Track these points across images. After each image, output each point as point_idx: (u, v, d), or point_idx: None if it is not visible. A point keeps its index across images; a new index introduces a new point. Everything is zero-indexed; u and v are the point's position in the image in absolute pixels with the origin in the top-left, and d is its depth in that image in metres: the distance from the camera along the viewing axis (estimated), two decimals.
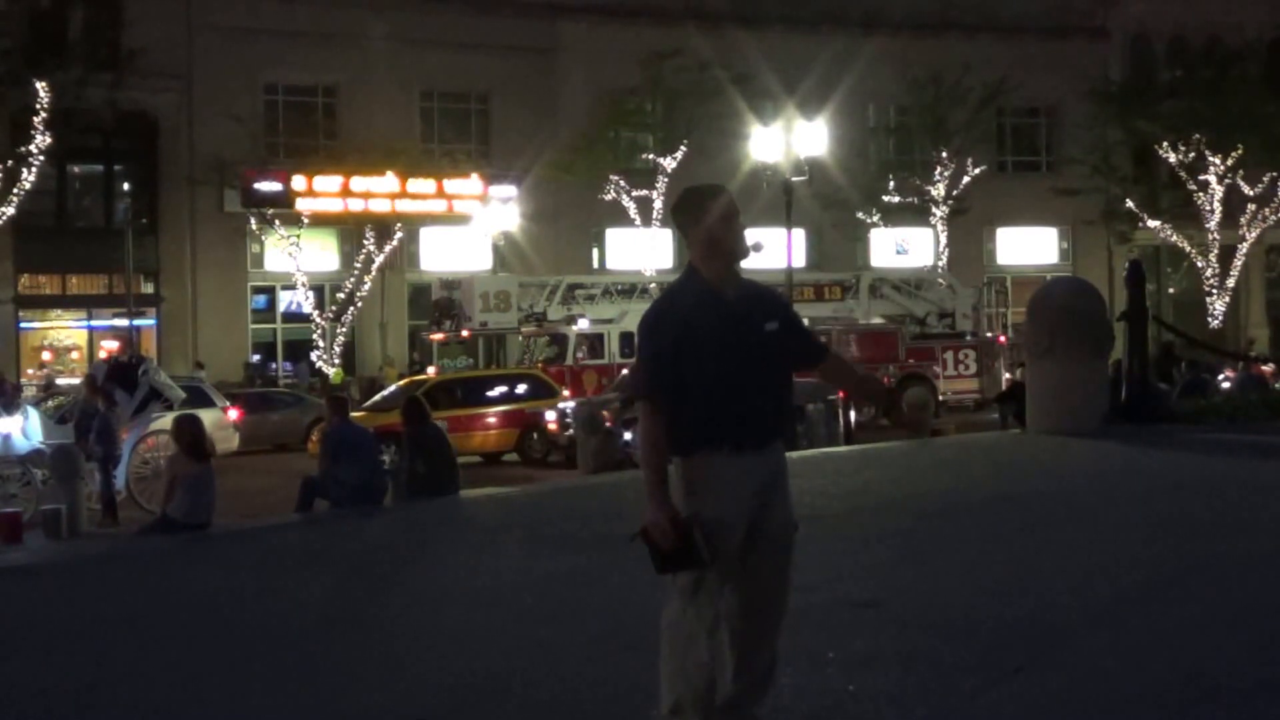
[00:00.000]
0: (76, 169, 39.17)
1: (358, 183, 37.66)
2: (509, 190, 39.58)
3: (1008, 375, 31.25)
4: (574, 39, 41.33)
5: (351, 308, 38.23)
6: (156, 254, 38.24)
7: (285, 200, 37.16)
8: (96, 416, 17.55)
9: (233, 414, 25.99)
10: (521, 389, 26.35)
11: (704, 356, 4.58)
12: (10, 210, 33.48)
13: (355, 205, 37.91)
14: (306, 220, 37.57)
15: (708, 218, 4.70)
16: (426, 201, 38.67)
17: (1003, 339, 35.41)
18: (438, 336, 34.19)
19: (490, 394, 26.06)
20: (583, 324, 30.36)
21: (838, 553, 8.84)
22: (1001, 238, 47.09)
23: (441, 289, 33.28)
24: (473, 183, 39.32)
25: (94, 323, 38.28)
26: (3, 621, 8.68)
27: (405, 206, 38.37)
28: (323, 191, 37.51)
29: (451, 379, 28.41)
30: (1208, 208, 43.51)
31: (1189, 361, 24.44)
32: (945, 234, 43.00)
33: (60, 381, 31.78)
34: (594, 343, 30.10)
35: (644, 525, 4.54)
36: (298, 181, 37.21)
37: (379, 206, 38.06)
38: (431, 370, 33.29)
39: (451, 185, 39.04)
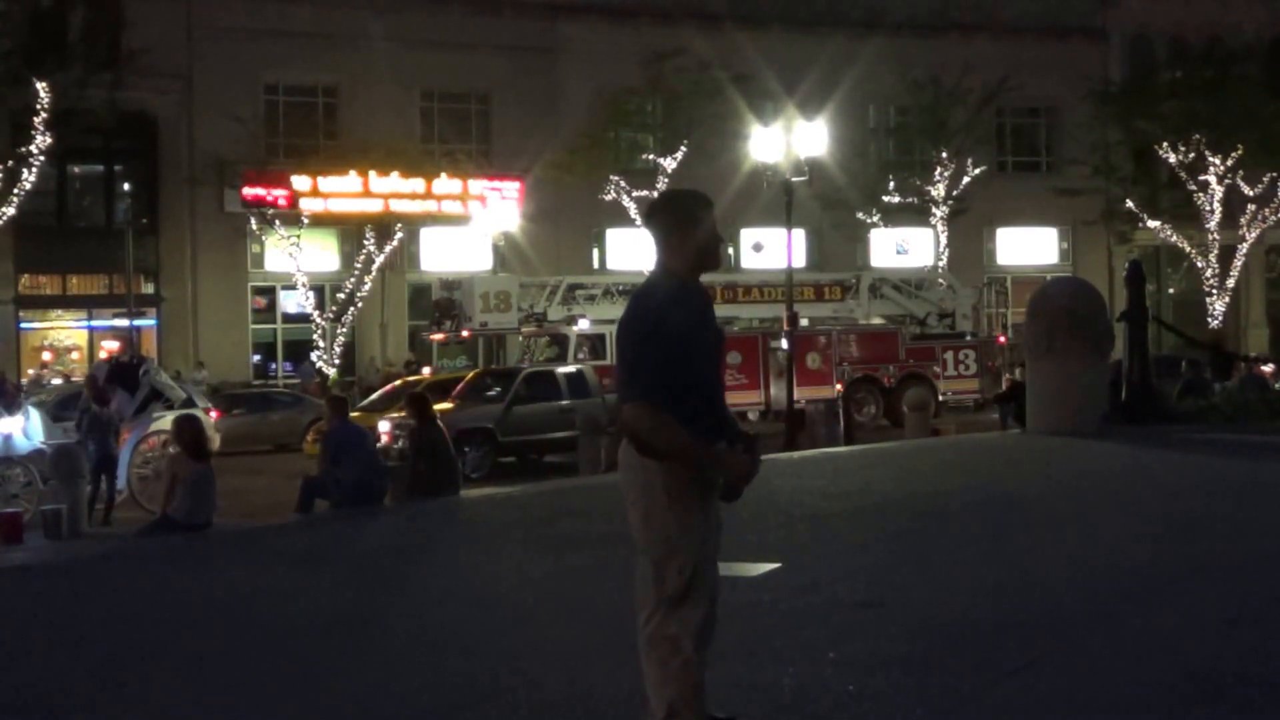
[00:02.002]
0: (77, 169, 39.17)
1: (358, 183, 37.63)
2: (509, 190, 39.58)
3: (1007, 375, 31.30)
4: (574, 39, 41.32)
5: (352, 308, 38.23)
6: (157, 254, 38.24)
7: (285, 200, 37.15)
8: (86, 415, 17.55)
9: (212, 414, 26.12)
10: None
11: (694, 361, 4.60)
12: (11, 210, 33.45)
13: (355, 205, 37.88)
14: (306, 220, 37.56)
15: (702, 227, 4.71)
16: (427, 202, 38.65)
17: (1002, 339, 35.41)
18: (438, 337, 34.17)
19: None
20: (583, 324, 30.34)
21: (838, 553, 8.85)
22: (1001, 238, 47.09)
23: (442, 289, 33.26)
24: (473, 183, 39.31)
25: (94, 323, 38.27)
26: (3, 621, 8.68)
27: (405, 206, 38.36)
28: (323, 192, 37.48)
29: (447, 379, 28.36)
30: (1208, 208, 43.48)
31: (1189, 361, 24.44)
32: (945, 234, 42.98)
33: (38, 384, 31.70)
34: (595, 343, 30.08)
35: (731, 481, 4.59)
36: (298, 182, 37.19)
37: (379, 206, 38.04)
38: (427, 371, 33.27)
39: (452, 185, 39.02)
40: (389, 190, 37.96)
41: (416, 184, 38.29)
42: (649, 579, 4.60)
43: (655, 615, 4.60)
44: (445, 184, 38.91)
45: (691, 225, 4.71)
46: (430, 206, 38.76)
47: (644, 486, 4.58)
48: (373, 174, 37.62)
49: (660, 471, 4.53)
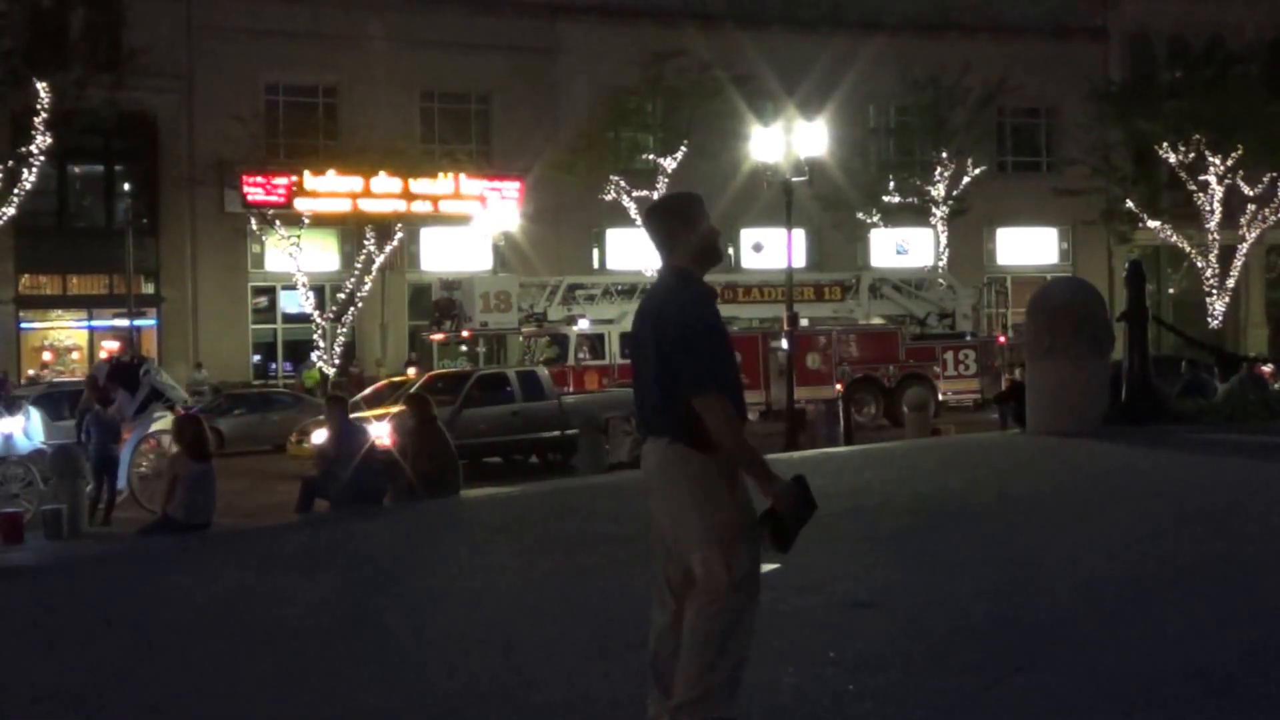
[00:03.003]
0: (77, 169, 39.18)
1: (358, 183, 37.64)
2: (510, 190, 39.59)
3: (1006, 375, 31.30)
4: (574, 39, 41.33)
5: (352, 308, 38.23)
6: (157, 254, 38.25)
7: (285, 201, 37.16)
8: (87, 415, 17.55)
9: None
10: None
11: (731, 352, 4.88)
12: (11, 210, 33.47)
13: (356, 205, 37.87)
14: (307, 220, 37.57)
15: (703, 223, 4.88)
16: (427, 202, 38.66)
17: (1002, 339, 35.38)
18: (438, 337, 34.15)
19: None
20: (583, 324, 30.32)
21: (838, 553, 8.84)
22: (1001, 238, 47.09)
23: (442, 289, 33.25)
24: (473, 183, 39.31)
25: (94, 323, 38.28)
26: (3, 621, 8.68)
27: (405, 206, 38.36)
28: (323, 192, 37.49)
29: (443, 375, 28.14)
30: (1208, 208, 43.48)
31: (1189, 361, 24.43)
32: (945, 234, 42.98)
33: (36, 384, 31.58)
34: (594, 343, 30.06)
35: (771, 506, 4.66)
36: (298, 182, 37.19)
37: (379, 207, 38.05)
38: (411, 371, 33.28)
39: (452, 185, 39.02)
40: (389, 190, 37.95)
41: (416, 184, 38.29)
42: (717, 567, 4.68)
43: (719, 600, 4.69)
44: (445, 184, 38.92)
45: (696, 221, 4.87)
46: (430, 207, 38.75)
47: (701, 477, 4.71)
48: (373, 174, 37.60)
49: (714, 462, 4.69)
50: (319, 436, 23.24)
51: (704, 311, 4.76)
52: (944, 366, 32.26)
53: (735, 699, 4.75)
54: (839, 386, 29.99)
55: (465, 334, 32.55)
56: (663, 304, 4.82)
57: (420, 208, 38.62)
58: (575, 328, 30.16)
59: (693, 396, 4.63)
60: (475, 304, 31.18)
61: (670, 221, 4.88)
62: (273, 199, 37.24)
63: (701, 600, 4.73)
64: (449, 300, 32.30)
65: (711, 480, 4.70)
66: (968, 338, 33.95)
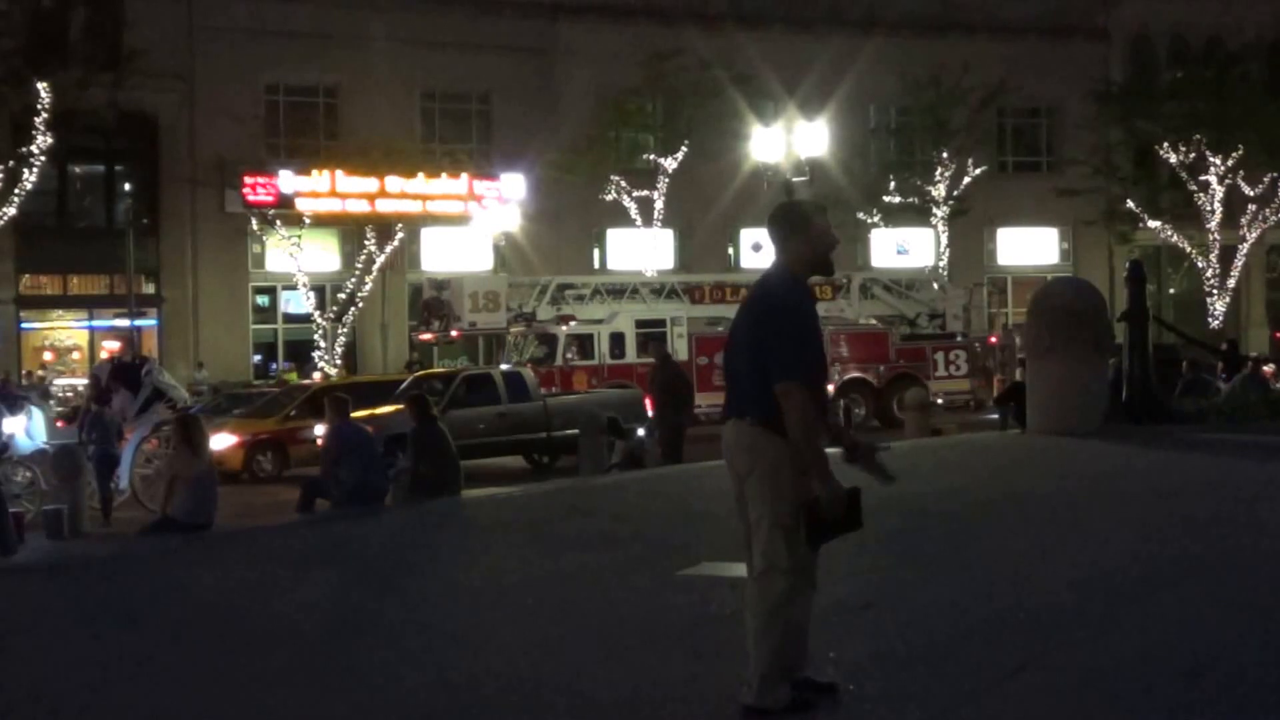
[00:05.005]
0: (78, 169, 39.16)
1: (358, 183, 37.62)
2: (509, 190, 39.57)
3: (998, 376, 31.33)
4: (574, 39, 41.31)
5: (352, 308, 38.23)
6: (157, 254, 38.24)
7: (285, 201, 37.16)
8: (89, 415, 17.56)
9: None
10: None
11: (818, 348, 5.28)
12: (12, 210, 33.46)
13: (356, 206, 37.85)
14: (307, 221, 37.56)
15: (816, 231, 5.35)
16: (427, 202, 38.64)
17: (993, 339, 35.24)
18: (426, 337, 34.04)
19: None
20: (572, 324, 30.23)
21: (837, 553, 8.84)
22: (1002, 238, 47.07)
23: (431, 289, 33.12)
24: (473, 183, 39.30)
25: (95, 323, 38.27)
26: (3, 621, 8.69)
27: (406, 207, 38.35)
28: (323, 192, 37.48)
29: (346, 383, 27.70)
30: (1208, 208, 43.45)
31: (1189, 361, 24.43)
32: (946, 234, 42.97)
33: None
34: (583, 343, 29.95)
35: (814, 498, 5.01)
36: (299, 182, 37.19)
37: (380, 207, 38.01)
38: (317, 376, 33.35)
39: (452, 185, 39.00)
40: (389, 190, 37.93)
41: (417, 184, 38.27)
42: (780, 545, 5.11)
43: (772, 580, 5.13)
44: (445, 184, 38.89)
45: (808, 228, 5.32)
46: (430, 206, 38.74)
47: (776, 462, 5.12)
48: (373, 174, 37.58)
49: (786, 448, 5.09)
50: (216, 442, 23.36)
51: (798, 303, 5.20)
52: (934, 367, 32.19)
53: (779, 685, 5.21)
54: (830, 387, 29.92)
55: (454, 334, 32.43)
56: (762, 295, 5.25)
57: (420, 207, 38.59)
58: (564, 327, 30.05)
59: (775, 383, 5.03)
60: (464, 304, 31.01)
61: (788, 224, 5.33)
62: (272, 199, 37.22)
63: (761, 579, 5.16)
64: (438, 300, 32.20)
65: (783, 462, 5.07)
66: (958, 338, 33.86)
